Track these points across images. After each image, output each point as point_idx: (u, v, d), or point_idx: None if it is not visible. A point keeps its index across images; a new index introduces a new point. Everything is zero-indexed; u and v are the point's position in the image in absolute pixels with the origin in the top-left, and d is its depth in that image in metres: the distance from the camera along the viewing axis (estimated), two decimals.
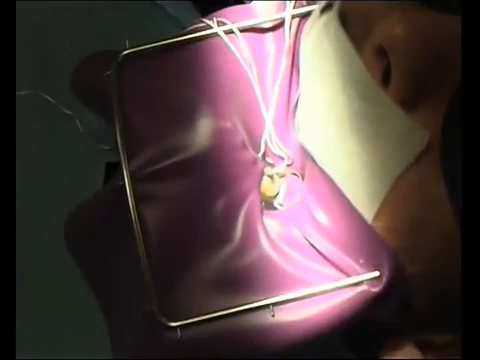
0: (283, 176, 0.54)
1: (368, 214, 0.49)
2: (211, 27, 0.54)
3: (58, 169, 0.68)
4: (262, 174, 0.54)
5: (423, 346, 0.53)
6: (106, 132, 0.65)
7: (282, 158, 0.54)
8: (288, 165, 0.54)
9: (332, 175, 0.50)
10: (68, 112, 0.65)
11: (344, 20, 0.50)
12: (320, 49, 0.50)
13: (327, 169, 0.50)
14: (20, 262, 0.63)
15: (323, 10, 0.51)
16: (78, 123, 0.65)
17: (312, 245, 0.51)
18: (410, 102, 0.47)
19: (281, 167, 0.54)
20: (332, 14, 0.50)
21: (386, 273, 0.49)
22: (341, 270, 0.50)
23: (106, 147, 0.65)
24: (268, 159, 0.54)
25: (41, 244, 0.66)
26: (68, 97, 0.63)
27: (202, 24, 0.55)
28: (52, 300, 0.66)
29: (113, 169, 0.63)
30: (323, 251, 0.51)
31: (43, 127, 0.68)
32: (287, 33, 0.53)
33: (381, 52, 0.47)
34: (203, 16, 0.56)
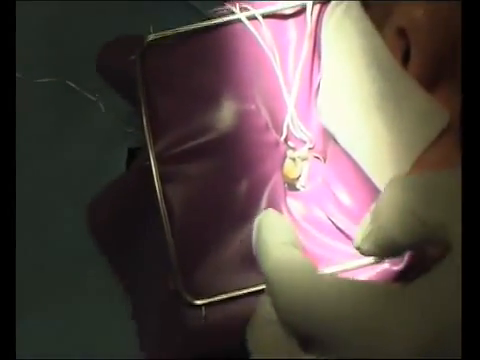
0: (305, 159, 0.55)
1: None
2: (234, 13, 0.54)
3: (82, 153, 0.69)
4: (284, 156, 0.55)
5: None
6: (130, 115, 0.66)
7: (304, 141, 0.55)
8: (310, 148, 0.55)
9: (354, 155, 0.51)
10: (91, 97, 0.66)
11: (363, 4, 0.51)
12: (342, 32, 0.51)
13: (349, 149, 0.51)
14: (44, 246, 0.64)
15: None
16: (102, 106, 0.65)
17: (335, 224, 0.52)
18: (430, 82, 0.48)
19: (303, 150, 0.55)
20: None
21: (407, 251, 0.49)
22: None
23: (129, 130, 0.65)
24: (290, 142, 0.55)
25: (65, 228, 0.66)
26: (91, 83, 0.64)
27: (225, 10, 0.55)
28: (75, 283, 0.66)
29: (135, 154, 0.64)
30: (346, 230, 0.52)
31: (66, 113, 0.69)
32: (309, 18, 0.54)
33: (401, 33, 0.48)
34: (226, 2, 0.56)
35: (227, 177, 0.53)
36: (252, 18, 0.55)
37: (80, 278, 0.66)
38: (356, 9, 0.50)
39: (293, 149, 0.55)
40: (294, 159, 0.54)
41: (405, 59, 0.48)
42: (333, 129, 0.52)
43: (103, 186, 0.61)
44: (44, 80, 0.66)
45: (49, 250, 0.66)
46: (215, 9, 0.56)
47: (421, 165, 0.48)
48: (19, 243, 0.62)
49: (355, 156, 0.50)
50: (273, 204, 0.52)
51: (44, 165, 0.68)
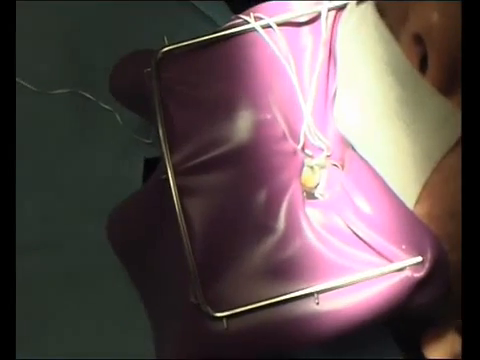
0: (323, 167, 0.54)
1: (409, 200, 0.49)
2: (248, 22, 0.54)
3: (99, 164, 0.69)
4: (302, 165, 0.54)
5: None
6: (145, 126, 0.66)
7: (322, 149, 0.55)
8: (328, 156, 0.55)
9: (373, 163, 0.51)
10: (108, 107, 0.66)
11: (379, 10, 0.50)
12: (358, 39, 0.51)
13: (367, 157, 0.51)
14: (61, 256, 0.64)
15: (359, 1, 0.52)
16: (118, 117, 0.65)
17: (354, 233, 0.52)
18: (447, 88, 0.48)
19: (321, 158, 0.55)
20: (369, 4, 0.50)
21: (429, 258, 0.49)
22: (384, 256, 0.51)
23: (146, 140, 0.66)
24: (308, 151, 0.55)
25: (82, 238, 0.67)
26: (107, 94, 0.64)
27: (239, 20, 0.55)
28: (93, 295, 0.66)
29: (152, 165, 0.64)
30: (366, 238, 0.51)
31: (83, 123, 0.69)
32: (324, 26, 0.54)
33: (417, 40, 0.48)
34: (236, 14, 0.56)
35: (245, 188, 0.52)
36: (266, 27, 0.54)
37: (101, 287, 0.66)
38: (372, 16, 0.49)
39: (311, 157, 0.55)
40: (312, 167, 0.54)
41: (422, 65, 0.48)
42: (351, 137, 0.52)
43: (121, 198, 0.60)
44: (60, 91, 0.66)
45: (68, 262, 0.66)
46: (228, 20, 0.56)
47: (441, 170, 0.48)
48: (37, 255, 0.63)
49: (374, 163, 0.50)
50: (292, 213, 0.52)
51: (61, 176, 0.68)
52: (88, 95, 0.67)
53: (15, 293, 0.47)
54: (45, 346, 0.65)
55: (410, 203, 0.49)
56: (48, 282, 0.65)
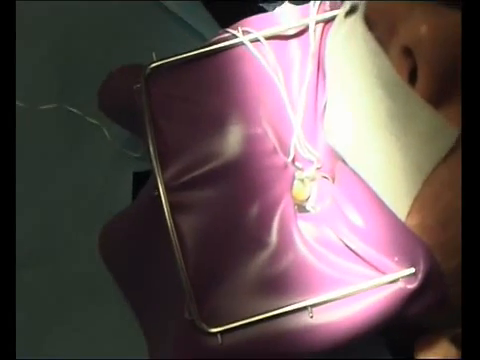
0: (314, 179, 0.54)
1: (401, 212, 0.49)
2: (236, 36, 0.54)
3: (87, 178, 0.68)
4: (293, 178, 0.54)
5: (457, 341, 0.53)
6: (134, 140, 0.66)
7: (312, 162, 0.55)
8: (318, 168, 0.55)
9: (363, 175, 0.51)
10: (95, 122, 0.66)
11: (367, 23, 0.51)
12: (347, 51, 0.51)
13: (358, 169, 0.51)
14: (53, 270, 0.64)
15: (347, 13, 0.52)
16: (106, 132, 0.65)
17: (347, 245, 0.52)
18: (437, 100, 0.48)
19: (311, 171, 0.55)
20: (357, 16, 0.51)
21: (422, 269, 0.49)
22: (377, 269, 0.51)
23: (135, 155, 0.65)
24: (298, 163, 0.55)
25: (75, 252, 0.66)
26: (94, 108, 0.64)
27: (227, 34, 0.55)
28: (84, 307, 0.66)
29: (141, 179, 0.64)
30: (358, 251, 0.52)
31: (70, 139, 0.69)
32: (312, 38, 0.54)
33: (407, 52, 0.48)
34: (223, 28, 0.56)
35: (237, 203, 0.52)
36: (254, 40, 0.54)
37: (93, 302, 0.66)
38: (360, 28, 0.50)
39: (301, 170, 0.55)
40: (302, 180, 0.54)
41: (411, 78, 0.48)
42: (341, 150, 0.52)
43: (112, 212, 0.60)
44: (47, 106, 0.65)
45: (60, 277, 0.66)
46: (216, 34, 0.56)
47: (432, 183, 0.48)
48: (29, 270, 0.63)
49: (365, 176, 0.50)
50: (284, 227, 0.52)
51: (51, 191, 0.67)
52: (75, 110, 0.66)
53: (15, 301, 0.47)
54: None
55: (402, 215, 0.49)
56: (41, 297, 0.65)
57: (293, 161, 0.55)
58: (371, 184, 0.50)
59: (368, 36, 0.50)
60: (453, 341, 0.53)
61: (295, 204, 0.54)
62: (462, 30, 0.45)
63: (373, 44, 0.49)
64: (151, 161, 0.52)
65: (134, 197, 0.65)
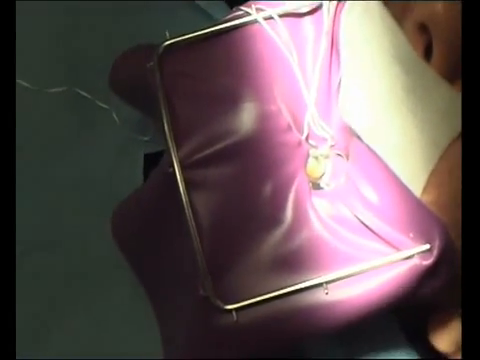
0: (328, 157, 0.54)
1: (416, 188, 0.49)
2: (249, 14, 0.54)
3: (97, 162, 0.68)
4: (307, 156, 0.54)
5: None
6: (143, 123, 0.66)
7: (325, 139, 0.55)
8: (332, 146, 0.55)
9: (379, 151, 0.51)
10: (104, 105, 0.65)
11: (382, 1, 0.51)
12: (363, 28, 0.51)
13: (374, 146, 0.51)
14: (62, 256, 0.64)
15: None
16: (115, 115, 0.65)
17: (362, 222, 0.52)
18: (452, 76, 0.48)
19: (325, 148, 0.55)
20: None
21: (437, 245, 0.49)
22: (392, 245, 0.51)
23: (144, 138, 0.65)
24: (311, 141, 0.55)
25: (83, 237, 0.66)
26: (103, 92, 0.64)
27: (240, 12, 0.55)
28: (97, 292, 0.66)
29: (152, 160, 0.64)
30: (373, 227, 0.51)
31: (80, 122, 0.69)
32: (325, 16, 0.54)
33: (422, 29, 0.48)
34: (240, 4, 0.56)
35: (252, 180, 0.52)
36: (268, 18, 0.54)
37: (104, 286, 0.66)
38: (376, 5, 0.50)
39: (315, 147, 0.54)
40: (317, 157, 0.54)
41: (427, 54, 0.48)
42: (356, 126, 0.52)
43: (122, 196, 0.60)
44: (56, 90, 0.65)
45: (69, 261, 0.65)
46: (229, 12, 0.56)
47: (448, 158, 0.48)
48: (38, 255, 0.63)
49: (380, 152, 0.50)
50: (299, 204, 0.52)
51: (60, 175, 0.67)
52: (84, 93, 0.66)
53: (15, 294, 0.47)
54: (47, 346, 0.64)
55: (417, 191, 0.49)
56: (49, 282, 0.65)
57: (307, 138, 0.55)
58: (387, 160, 0.50)
59: (385, 13, 0.50)
60: None
61: (309, 181, 0.54)
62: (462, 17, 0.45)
63: (389, 21, 0.49)
64: (165, 138, 0.52)
65: (145, 179, 0.65)
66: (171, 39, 0.54)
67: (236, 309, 0.51)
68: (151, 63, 0.54)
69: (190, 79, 0.54)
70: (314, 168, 0.54)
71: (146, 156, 0.65)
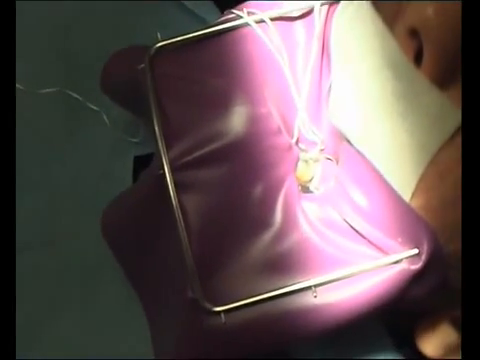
0: (317, 161, 0.55)
1: (406, 193, 0.50)
2: (241, 17, 0.54)
3: (87, 164, 0.68)
4: (297, 159, 0.54)
5: (458, 323, 0.54)
6: (133, 125, 0.66)
7: (315, 143, 0.55)
8: (321, 150, 0.55)
9: (369, 155, 0.51)
10: (95, 107, 0.65)
11: (374, 4, 0.51)
12: (354, 32, 0.51)
13: (363, 150, 0.51)
14: (54, 256, 0.64)
15: None
16: (105, 117, 0.65)
17: (351, 226, 0.52)
18: (443, 81, 0.48)
19: (315, 152, 0.55)
20: None
21: (425, 250, 0.50)
22: (380, 249, 0.51)
23: (134, 140, 0.65)
24: (301, 145, 0.55)
25: (74, 238, 0.66)
26: (93, 94, 0.64)
27: (231, 15, 0.55)
28: (91, 292, 0.66)
29: (142, 162, 0.64)
30: (362, 231, 0.52)
31: (70, 123, 0.69)
32: (317, 19, 0.54)
33: (413, 33, 0.48)
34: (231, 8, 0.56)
35: (241, 182, 0.52)
36: (259, 21, 0.54)
37: (98, 286, 0.65)
38: (367, 9, 0.50)
39: (305, 151, 0.54)
40: (306, 161, 0.54)
41: (417, 59, 0.48)
42: (346, 130, 0.52)
43: (112, 196, 0.60)
44: (46, 91, 0.65)
45: (61, 261, 0.66)
46: (221, 15, 0.56)
47: (437, 163, 0.48)
48: (30, 255, 0.63)
49: (370, 156, 0.50)
50: (288, 207, 0.52)
51: (51, 176, 0.67)
52: (75, 95, 0.66)
53: (15, 293, 0.47)
54: (41, 346, 0.64)
55: (406, 196, 0.50)
56: (42, 282, 0.65)
57: (297, 142, 0.55)
58: (377, 164, 0.50)
59: (376, 17, 0.50)
60: (453, 323, 0.53)
61: (299, 185, 0.54)
62: (462, 17, 0.45)
63: (381, 25, 0.50)
64: (156, 140, 0.52)
65: (135, 181, 0.65)
66: (163, 41, 0.54)
67: (224, 311, 0.51)
68: (142, 65, 0.54)
69: (181, 81, 0.54)
70: (304, 172, 0.54)
71: (136, 158, 0.65)
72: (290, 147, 0.54)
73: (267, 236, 0.52)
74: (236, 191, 0.52)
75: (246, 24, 0.55)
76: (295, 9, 0.55)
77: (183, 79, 0.54)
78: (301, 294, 0.51)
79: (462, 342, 0.44)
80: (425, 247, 0.49)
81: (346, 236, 0.52)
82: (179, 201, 0.52)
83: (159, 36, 0.55)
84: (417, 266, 0.50)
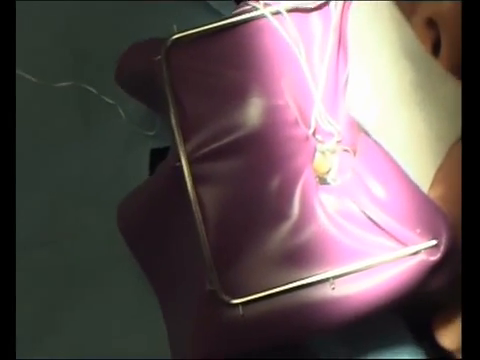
0: (334, 152, 0.54)
1: (424, 183, 0.49)
2: (257, 9, 0.54)
3: (103, 157, 0.68)
4: (314, 150, 0.54)
5: None
6: (149, 118, 0.66)
7: (332, 134, 0.55)
8: (338, 141, 0.55)
9: (387, 146, 0.51)
10: (110, 101, 0.65)
11: None
12: (371, 24, 0.51)
13: (381, 141, 0.51)
14: (69, 250, 0.64)
15: None
16: (120, 111, 0.65)
17: (369, 217, 0.52)
18: (459, 71, 0.48)
19: (332, 143, 0.55)
20: None
21: (444, 241, 0.49)
22: (399, 240, 0.51)
23: (150, 133, 0.65)
24: (318, 136, 0.55)
25: (90, 232, 0.66)
26: (108, 87, 0.64)
27: (248, 7, 0.55)
28: (99, 286, 0.66)
29: (158, 155, 0.64)
30: (380, 222, 0.51)
31: (86, 117, 0.69)
32: (333, 11, 0.54)
33: (430, 24, 0.48)
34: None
35: (259, 174, 0.52)
36: (276, 13, 0.54)
37: (108, 280, 0.65)
38: (386, 1, 0.49)
39: (322, 142, 0.54)
40: (323, 152, 0.54)
41: (435, 49, 0.48)
42: (364, 121, 0.52)
43: (128, 190, 0.60)
44: (61, 85, 0.65)
45: (76, 255, 0.66)
46: (237, 7, 0.56)
47: (454, 155, 0.48)
48: (45, 249, 0.63)
49: (388, 147, 0.50)
50: (306, 199, 0.52)
51: (67, 170, 0.67)
52: (91, 88, 0.66)
53: (15, 293, 0.47)
54: (48, 344, 0.64)
55: (424, 186, 0.49)
56: (56, 276, 0.65)
57: (314, 133, 0.55)
58: (394, 155, 0.50)
59: (393, 8, 0.50)
60: None
61: (316, 176, 0.54)
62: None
63: (398, 16, 0.49)
64: (172, 132, 0.52)
65: (151, 174, 0.65)
66: (179, 33, 0.54)
67: (242, 303, 0.51)
68: (158, 57, 0.54)
69: (197, 73, 0.54)
70: (321, 163, 0.54)
71: (153, 151, 0.65)
72: (307, 138, 0.53)
73: (285, 228, 0.51)
74: (253, 183, 0.52)
75: (262, 16, 0.54)
76: (311, 1, 0.54)
77: (199, 71, 0.54)
78: (319, 286, 0.51)
79: (462, 342, 0.43)
80: (444, 238, 0.49)
81: (364, 228, 0.51)
82: (196, 193, 0.52)
83: (175, 28, 0.54)
84: (436, 257, 0.49)
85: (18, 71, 0.63)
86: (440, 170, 0.48)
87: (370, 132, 0.51)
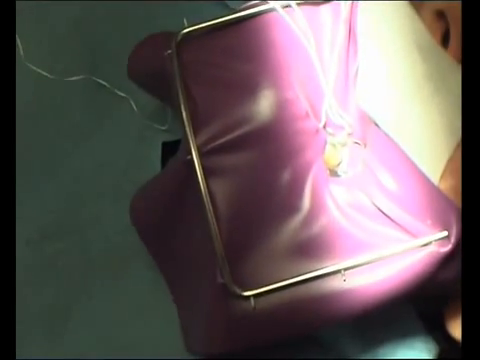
0: (345, 145, 0.54)
1: (434, 175, 0.49)
2: (267, 2, 0.54)
3: (115, 150, 0.69)
4: (325, 143, 0.54)
5: None
6: (160, 111, 0.66)
7: (343, 127, 0.55)
8: (349, 134, 0.55)
9: (397, 138, 0.51)
10: (122, 94, 0.66)
11: None
12: (381, 16, 0.51)
13: (392, 133, 0.51)
14: (82, 242, 0.65)
15: None
16: (133, 104, 0.65)
17: (379, 209, 0.52)
18: None
19: (342, 136, 0.55)
20: None
21: (454, 232, 0.49)
22: (409, 232, 0.51)
23: (161, 127, 0.66)
24: (329, 129, 0.55)
25: (103, 224, 0.67)
26: (121, 81, 0.64)
27: (258, 1, 0.55)
28: (113, 278, 0.66)
29: (169, 148, 0.64)
30: (390, 214, 0.51)
31: (98, 111, 0.69)
32: (343, 4, 0.54)
33: (440, 16, 0.48)
34: None
35: (269, 167, 0.52)
36: (286, 6, 0.54)
37: (123, 270, 0.66)
38: None
39: (332, 135, 0.54)
40: (334, 145, 0.54)
41: (444, 41, 0.48)
42: (375, 114, 0.52)
43: (140, 183, 0.61)
44: (74, 78, 0.66)
45: (89, 247, 0.66)
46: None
47: None
48: (58, 241, 0.63)
49: (398, 139, 0.50)
50: (317, 191, 0.52)
51: (80, 163, 0.68)
52: (103, 82, 0.66)
53: (15, 291, 0.48)
54: (66, 333, 0.64)
55: (435, 178, 0.49)
56: (70, 268, 0.65)
57: (324, 126, 0.55)
58: (405, 147, 0.50)
59: (406, 3, 0.50)
60: None
61: (327, 169, 0.54)
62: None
63: (407, 8, 0.49)
64: (183, 126, 0.52)
65: (163, 167, 0.65)
66: (189, 27, 0.54)
67: (254, 295, 0.51)
68: (169, 51, 0.54)
69: (208, 66, 0.54)
70: (331, 156, 0.54)
71: (164, 144, 0.65)
72: (317, 131, 0.53)
73: (295, 220, 0.52)
74: (264, 176, 0.52)
75: (272, 9, 0.54)
76: None
77: (210, 64, 0.54)
78: (330, 278, 0.51)
79: (462, 342, 0.43)
80: (454, 230, 0.49)
81: (375, 219, 0.52)
82: (207, 186, 0.52)
83: (185, 22, 0.54)
84: (446, 248, 0.49)
85: (32, 66, 0.64)
86: (450, 162, 0.48)
87: (382, 123, 0.51)
